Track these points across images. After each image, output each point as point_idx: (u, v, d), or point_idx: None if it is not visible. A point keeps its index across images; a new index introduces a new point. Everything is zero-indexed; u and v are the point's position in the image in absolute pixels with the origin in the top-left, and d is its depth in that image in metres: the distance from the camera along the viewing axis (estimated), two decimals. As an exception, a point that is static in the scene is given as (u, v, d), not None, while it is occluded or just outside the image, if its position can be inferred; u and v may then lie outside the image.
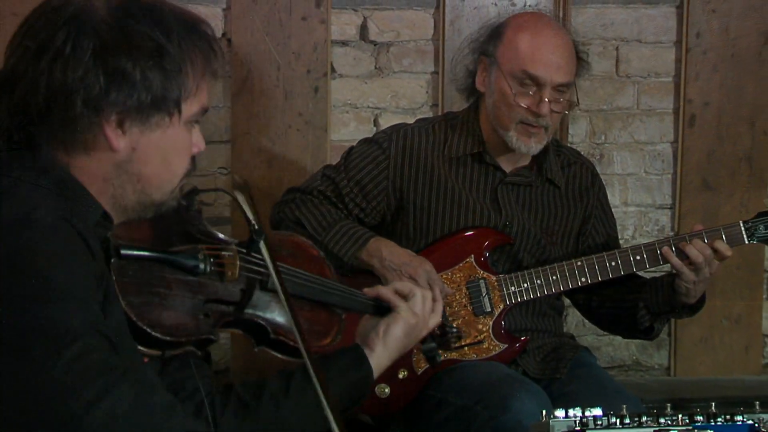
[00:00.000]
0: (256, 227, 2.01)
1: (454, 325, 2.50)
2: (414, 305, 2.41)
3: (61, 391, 1.71)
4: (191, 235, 2.13)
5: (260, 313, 2.18)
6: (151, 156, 1.96)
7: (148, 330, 1.98)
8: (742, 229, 3.19)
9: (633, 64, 4.13)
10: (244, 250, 2.16)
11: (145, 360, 2.02)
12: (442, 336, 2.53)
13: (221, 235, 2.19)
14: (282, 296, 1.96)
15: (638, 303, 3.26)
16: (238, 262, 2.14)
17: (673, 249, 3.13)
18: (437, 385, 3.15)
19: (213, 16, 3.83)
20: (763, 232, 3.19)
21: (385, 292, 2.43)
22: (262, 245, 1.98)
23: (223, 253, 2.14)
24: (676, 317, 3.33)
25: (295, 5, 3.90)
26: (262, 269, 2.16)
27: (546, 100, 3.11)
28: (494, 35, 3.19)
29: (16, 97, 1.91)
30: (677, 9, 4.10)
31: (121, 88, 1.89)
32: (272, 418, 2.14)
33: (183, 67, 1.94)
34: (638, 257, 3.18)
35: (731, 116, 4.11)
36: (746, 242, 3.20)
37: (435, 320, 2.46)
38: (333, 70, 3.99)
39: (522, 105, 3.12)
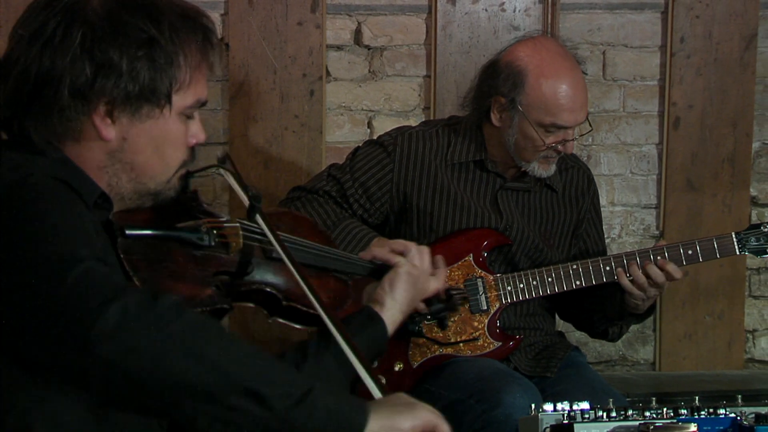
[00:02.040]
0: (251, 193, 2.00)
1: (460, 288, 2.48)
2: (412, 258, 2.35)
3: (71, 304, 1.68)
4: (191, 215, 2.11)
5: (269, 281, 2.16)
6: (143, 146, 1.94)
7: None
8: (734, 240, 3.21)
9: (619, 67, 4.14)
10: (245, 221, 2.14)
11: None
12: (448, 300, 2.49)
13: (221, 215, 2.18)
14: (285, 257, 1.94)
15: (594, 308, 3.30)
16: (240, 232, 2.13)
17: (637, 263, 3.13)
18: (432, 378, 3.16)
19: (211, 21, 3.83)
20: (754, 244, 3.22)
21: (380, 252, 2.38)
22: (258, 212, 1.97)
23: (225, 225, 2.12)
24: (625, 324, 3.36)
25: (291, 11, 3.91)
26: (265, 238, 2.13)
27: (571, 139, 3.15)
28: (513, 80, 3.13)
29: (10, 84, 1.90)
30: (662, 14, 4.11)
31: (108, 77, 1.87)
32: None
33: (175, 58, 1.91)
34: (625, 264, 3.19)
35: (714, 119, 4.12)
36: (738, 253, 3.22)
37: (437, 283, 2.41)
38: (328, 73, 4.00)
39: (551, 147, 3.14)
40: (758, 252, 3.23)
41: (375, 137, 3.49)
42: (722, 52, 4.09)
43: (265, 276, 2.17)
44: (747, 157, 4.15)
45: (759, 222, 3.27)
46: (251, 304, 2.19)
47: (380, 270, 2.38)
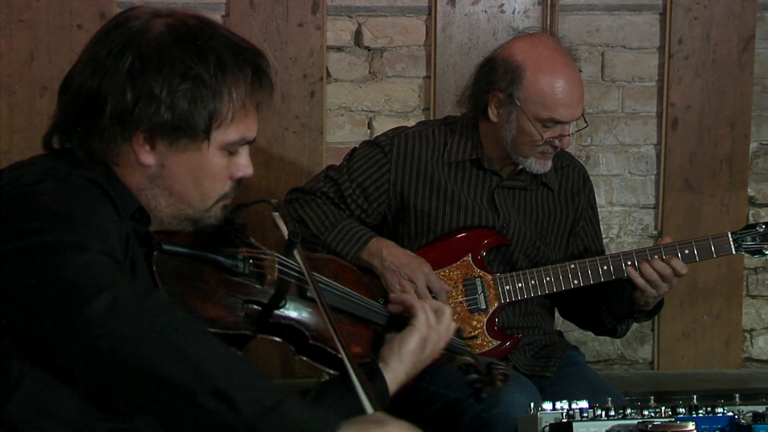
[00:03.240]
0: (291, 230, 2.02)
1: (503, 365, 2.45)
2: (429, 319, 2.33)
3: (65, 287, 1.70)
4: (233, 243, 2.12)
5: (299, 319, 2.16)
6: (181, 174, 1.96)
7: None
8: (731, 239, 3.22)
9: (618, 68, 4.14)
10: (283, 257, 2.15)
11: None
12: (487, 373, 2.46)
13: (263, 248, 2.18)
14: (315, 295, 1.94)
15: (602, 307, 3.30)
16: (276, 266, 2.14)
17: (647, 260, 3.14)
18: (431, 377, 3.14)
19: (212, 23, 3.82)
20: (750, 243, 3.23)
21: (408, 300, 2.37)
22: (297, 249, 1.98)
23: (263, 256, 2.14)
24: (635, 321, 3.37)
25: (291, 12, 3.90)
26: (300, 275, 2.15)
27: (568, 134, 3.15)
28: (511, 76, 3.14)
29: (66, 100, 1.95)
30: (660, 16, 4.11)
31: (147, 107, 1.90)
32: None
33: (217, 95, 1.93)
34: (629, 263, 3.18)
35: (712, 119, 4.12)
36: (734, 252, 3.23)
37: (449, 330, 2.38)
38: (328, 74, 3.99)
39: (548, 142, 3.14)
40: (754, 252, 3.23)
41: (380, 134, 3.48)
42: (720, 53, 4.09)
43: (295, 313, 2.17)
44: (745, 158, 4.15)
45: (755, 222, 3.27)
46: (278, 339, 2.18)
47: (398, 323, 2.35)
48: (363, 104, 4.04)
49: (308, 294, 2.17)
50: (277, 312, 2.15)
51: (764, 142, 4.22)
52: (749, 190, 4.19)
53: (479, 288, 3.22)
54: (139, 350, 1.69)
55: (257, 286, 2.11)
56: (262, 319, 2.12)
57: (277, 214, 2.07)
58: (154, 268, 1.96)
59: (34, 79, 3.78)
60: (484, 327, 3.22)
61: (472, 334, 3.21)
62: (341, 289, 2.29)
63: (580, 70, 3.22)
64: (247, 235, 2.17)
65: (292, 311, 2.16)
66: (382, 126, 3.91)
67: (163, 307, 1.74)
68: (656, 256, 3.14)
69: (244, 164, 2.02)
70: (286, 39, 3.91)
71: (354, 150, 3.33)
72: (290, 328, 2.16)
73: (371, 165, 3.26)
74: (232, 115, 1.95)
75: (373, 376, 2.24)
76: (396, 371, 2.27)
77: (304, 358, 2.20)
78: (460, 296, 3.22)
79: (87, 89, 1.91)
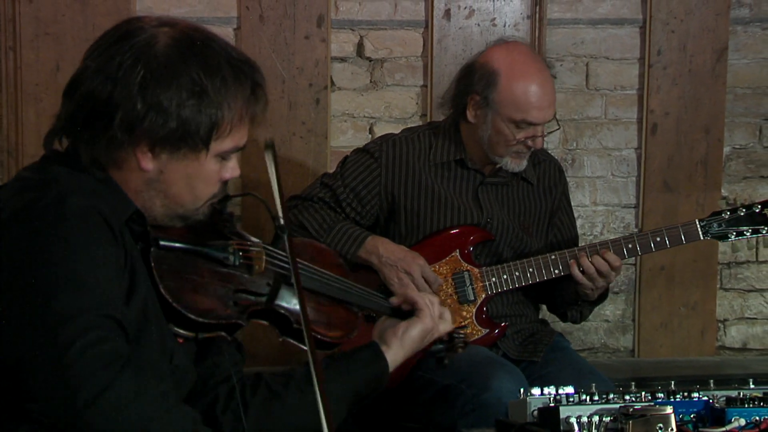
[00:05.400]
0: (282, 222, 2.01)
1: (462, 333, 2.49)
2: (433, 313, 2.36)
3: (67, 381, 1.71)
4: (223, 235, 2.13)
5: (285, 305, 2.16)
6: (177, 179, 1.96)
7: (184, 312, 1.97)
8: (698, 226, 3.23)
9: (601, 78, 4.14)
10: (270, 247, 2.16)
11: (180, 341, 2.02)
12: (449, 341, 2.48)
13: (252, 238, 2.19)
14: (295, 285, 1.95)
15: (556, 294, 3.33)
16: (264, 257, 2.14)
17: (586, 256, 3.17)
18: (426, 365, 3.15)
19: (225, 35, 3.81)
20: (717, 229, 3.24)
21: (413, 295, 2.38)
22: (285, 239, 1.98)
23: (252, 248, 2.14)
24: (582, 309, 3.37)
25: (298, 26, 3.90)
26: (286, 265, 2.15)
27: (540, 135, 3.16)
28: (487, 80, 3.15)
29: (73, 104, 1.93)
30: (640, 29, 4.11)
31: (156, 118, 1.89)
32: (298, 404, 2.13)
33: (219, 109, 1.93)
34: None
35: (689, 125, 4.12)
36: (702, 238, 3.24)
37: (445, 326, 2.40)
38: (332, 83, 4.00)
39: (521, 142, 3.15)
40: (720, 237, 3.24)
41: (369, 142, 3.49)
42: (696, 63, 4.09)
43: (281, 299, 2.17)
44: (719, 161, 4.15)
45: (721, 209, 3.27)
46: (266, 323, 2.20)
47: (397, 311, 2.38)
48: (365, 111, 4.04)
49: (291, 281, 2.15)
50: (264, 299, 2.16)
51: (737, 146, 4.22)
52: (722, 190, 4.19)
53: (467, 281, 3.23)
54: None
55: (246, 276, 2.12)
56: (252, 306, 2.12)
57: (270, 157, 2.01)
58: (153, 265, 1.96)
59: (59, 88, 3.66)
60: (473, 317, 3.24)
61: (463, 323, 3.22)
62: (322, 273, 2.29)
63: (554, 77, 3.24)
64: (234, 225, 2.18)
65: (278, 298, 2.17)
66: (383, 131, 3.91)
67: (160, 405, 1.78)
68: (594, 254, 3.16)
69: (232, 167, 2.03)
70: (294, 50, 3.91)
71: (346, 158, 3.35)
72: (276, 314, 2.17)
73: (363, 170, 3.27)
74: (231, 126, 1.95)
75: (376, 359, 2.27)
76: (396, 355, 2.30)
77: (289, 340, 2.21)
78: (450, 289, 3.24)
79: (97, 97, 1.89)
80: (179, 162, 1.94)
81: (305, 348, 2.01)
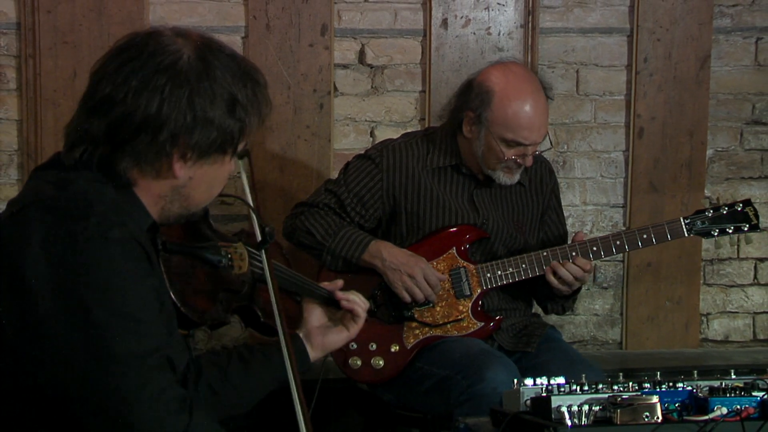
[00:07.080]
0: (267, 230, 2.01)
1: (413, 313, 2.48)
2: (359, 323, 2.36)
3: (150, 423, 1.74)
4: (205, 234, 2.14)
5: (257, 301, 2.21)
6: (202, 183, 1.95)
7: (188, 314, 1.99)
8: (683, 224, 3.23)
9: (591, 84, 4.14)
10: (254, 251, 2.16)
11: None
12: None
13: (227, 236, 2.21)
14: (271, 288, 1.96)
15: (536, 290, 3.33)
16: (247, 259, 2.15)
17: (560, 263, 3.17)
18: (423, 357, 3.16)
19: (233, 43, 3.82)
20: (700, 226, 3.23)
21: (353, 297, 2.37)
22: (263, 253, 1.99)
23: (237, 250, 2.15)
24: (558, 304, 3.37)
25: (303, 34, 3.90)
26: (261, 264, 2.14)
27: (531, 154, 3.15)
28: (482, 99, 3.14)
29: (113, 118, 1.87)
30: (628, 38, 4.11)
31: (203, 130, 1.89)
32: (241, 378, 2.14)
33: (247, 114, 1.93)
34: (594, 248, 3.20)
35: (674, 129, 4.12)
36: (686, 235, 3.23)
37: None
38: (336, 89, 4.00)
39: (511, 158, 3.15)
40: (704, 233, 3.23)
41: (369, 148, 3.49)
42: (680, 70, 4.09)
43: (254, 296, 2.21)
44: (702, 163, 4.15)
45: (704, 208, 3.26)
46: (237, 316, 2.24)
47: (331, 300, 2.37)
48: (366, 115, 4.04)
49: (261, 279, 2.17)
50: (241, 297, 2.19)
51: (719, 149, 4.22)
52: (706, 191, 4.19)
53: (464, 277, 3.23)
54: None
55: (230, 276, 2.14)
56: (232, 304, 2.15)
57: (244, 168, 2.05)
58: (162, 268, 1.97)
59: (77, 94, 3.66)
60: (469, 311, 3.23)
61: (459, 317, 3.22)
62: (283, 269, 2.31)
63: (551, 99, 3.22)
64: (210, 221, 2.19)
65: (252, 296, 2.21)
66: (383, 134, 3.92)
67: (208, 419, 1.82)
68: (566, 261, 3.15)
69: (234, 165, 2.04)
70: (298, 58, 3.91)
71: (348, 164, 3.34)
72: (249, 310, 2.21)
73: (365, 176, 3.27)
74: (252, 128, 1.96)
75: (301, 356, 2.25)
76: (315, 357, 2.30)
77: (253, 331, 2.26)
78: (447, 284, 3.24)
79: (144, 115, 1.86)
80: (208, 167, 1.93)
81: (266, 338, 2.04)
